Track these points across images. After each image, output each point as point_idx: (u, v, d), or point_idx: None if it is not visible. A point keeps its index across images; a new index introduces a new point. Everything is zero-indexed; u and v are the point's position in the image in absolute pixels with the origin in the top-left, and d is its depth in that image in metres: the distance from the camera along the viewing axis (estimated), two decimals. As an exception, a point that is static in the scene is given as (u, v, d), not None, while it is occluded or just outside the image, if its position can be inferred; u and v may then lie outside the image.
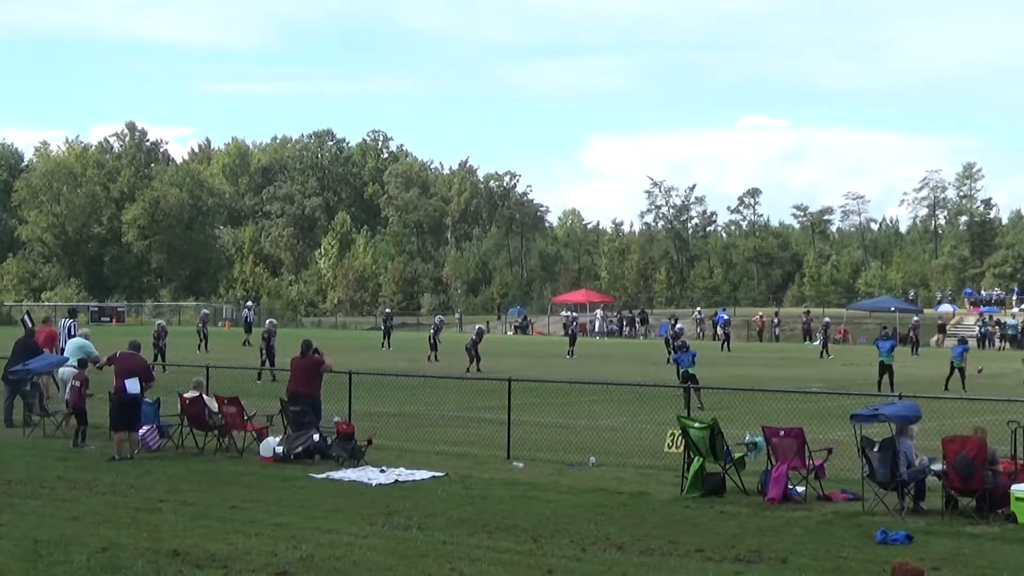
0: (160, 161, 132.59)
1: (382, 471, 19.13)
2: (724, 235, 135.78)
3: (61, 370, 24.79)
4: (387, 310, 70.32)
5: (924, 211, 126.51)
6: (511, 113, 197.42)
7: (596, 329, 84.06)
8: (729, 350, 60.09)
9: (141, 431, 21.76)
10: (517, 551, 13.41)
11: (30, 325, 29.26)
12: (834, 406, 22.37)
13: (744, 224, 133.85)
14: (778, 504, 16.71)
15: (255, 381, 34.04)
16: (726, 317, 69.50)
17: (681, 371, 31.67)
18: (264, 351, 38.89)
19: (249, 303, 72.15)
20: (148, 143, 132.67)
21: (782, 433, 17.59)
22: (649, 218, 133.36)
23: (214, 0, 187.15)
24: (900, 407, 17.06)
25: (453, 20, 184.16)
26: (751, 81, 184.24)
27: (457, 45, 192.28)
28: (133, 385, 20.76)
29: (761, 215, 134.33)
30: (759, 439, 18.09)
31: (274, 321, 43.49)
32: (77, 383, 22.39)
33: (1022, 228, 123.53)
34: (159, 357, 39.91)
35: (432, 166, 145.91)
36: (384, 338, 58.12)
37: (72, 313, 35.27)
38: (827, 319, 62.17)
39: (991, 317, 74.62)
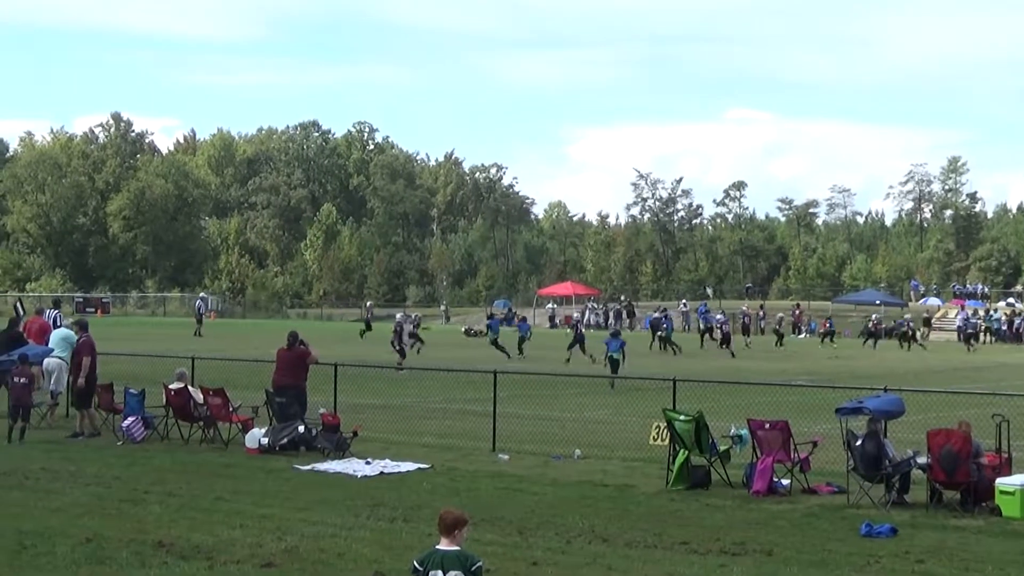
0: (145, 152, 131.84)
1: (367, 463, 19.13)
2: (710, 228, 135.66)
3: (46, 360, 24.68)
4: (368, 303, 70.05)
5: (909, 205, 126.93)
6: (497, 105, 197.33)
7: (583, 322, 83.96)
8: (721, 347, 58.87)
9: (126, 422, 21.77)
10: (502, 543, 13.40)
11: (22, 313, 29.13)
12: (819, 399, 22.42)
13: (730, 217, 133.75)
14: (763, 497, 16.74)
15: (397, 371, 32.72)
16: (721, 317, 69.08)
17: (608, 355, 35.19)
18: (396, 343, 40.09)
19: (203, 294, 70.93)
20: (133, 134, 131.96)
21: (767, 426, 17.62)
22: (635, 210, 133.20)
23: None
24: (884, 400, 17.12)
25: (439, 12, 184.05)
26: (737, 74, 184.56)
27: (443, 37, 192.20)
28: None
29: (747, 208, 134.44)
30: (744, 432, 18.10)
31: (406, 315, 44.03)
32: (24, 380, 21.87)
33: (1007, 222, 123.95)
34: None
35: (418, 158, 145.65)
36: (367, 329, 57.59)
37: (56, 304, 35.14)
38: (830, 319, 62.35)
39: (975, 312, 74.78)
